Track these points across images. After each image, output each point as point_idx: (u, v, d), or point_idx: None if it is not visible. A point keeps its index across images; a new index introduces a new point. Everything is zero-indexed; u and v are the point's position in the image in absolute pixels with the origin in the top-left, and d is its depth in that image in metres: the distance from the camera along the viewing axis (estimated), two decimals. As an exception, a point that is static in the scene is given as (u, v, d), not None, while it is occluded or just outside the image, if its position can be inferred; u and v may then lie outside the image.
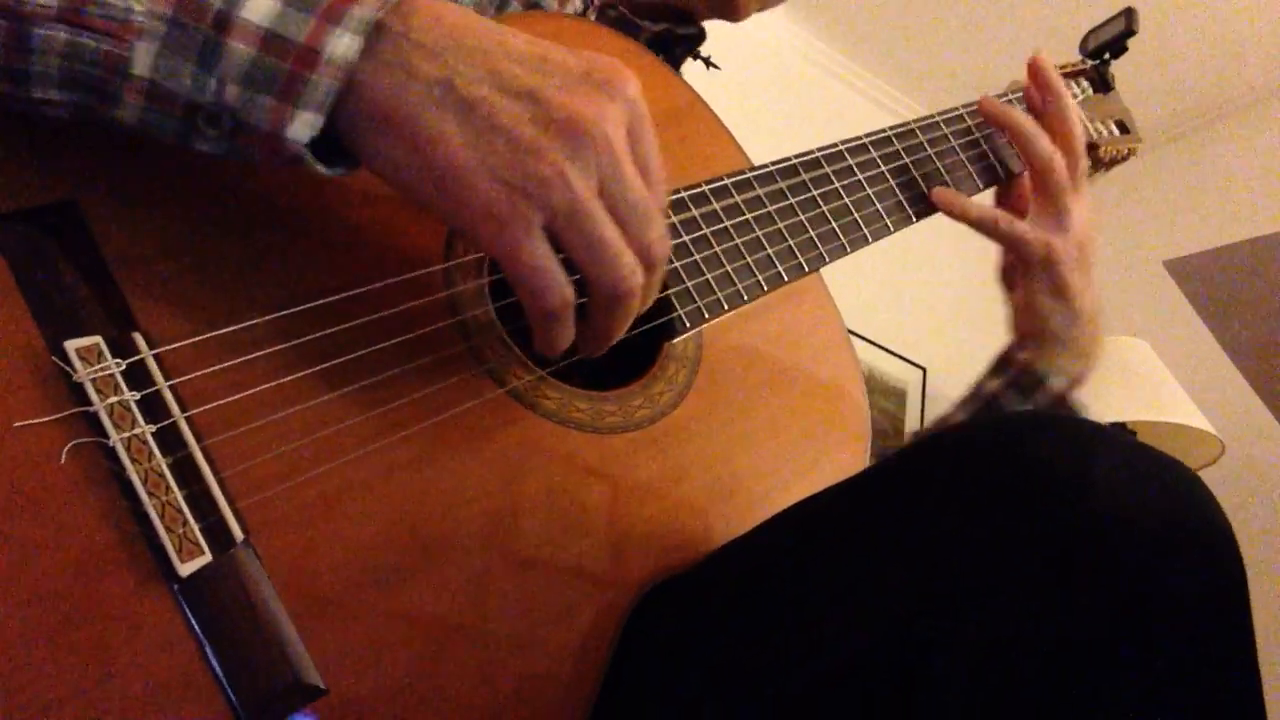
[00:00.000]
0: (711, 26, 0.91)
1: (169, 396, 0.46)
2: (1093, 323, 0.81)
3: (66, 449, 0.43)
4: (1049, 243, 0.79)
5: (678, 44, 0.89)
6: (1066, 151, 0.81)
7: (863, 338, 2.42)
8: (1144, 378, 2.21)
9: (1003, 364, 0.82)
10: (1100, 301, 0.82)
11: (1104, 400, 2.19)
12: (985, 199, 0.85)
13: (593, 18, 0.81)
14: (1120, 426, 2.17)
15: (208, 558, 0.44)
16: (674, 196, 0.67)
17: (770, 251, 0.71)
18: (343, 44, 0.44)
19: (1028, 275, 0.81)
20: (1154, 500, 0.44)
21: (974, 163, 0.85)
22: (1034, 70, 0.85)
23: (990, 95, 0.85)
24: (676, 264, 0.65)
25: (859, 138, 0.80)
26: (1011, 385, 0.80)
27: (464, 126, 0.45)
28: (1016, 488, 0.45)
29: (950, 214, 0.81)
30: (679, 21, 0.88)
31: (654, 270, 0.51)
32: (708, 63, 0.93)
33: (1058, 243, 0.79)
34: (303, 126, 0.45)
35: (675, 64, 0.90)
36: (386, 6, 0.46)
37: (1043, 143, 0.81)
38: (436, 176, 0.46)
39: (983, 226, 0.81)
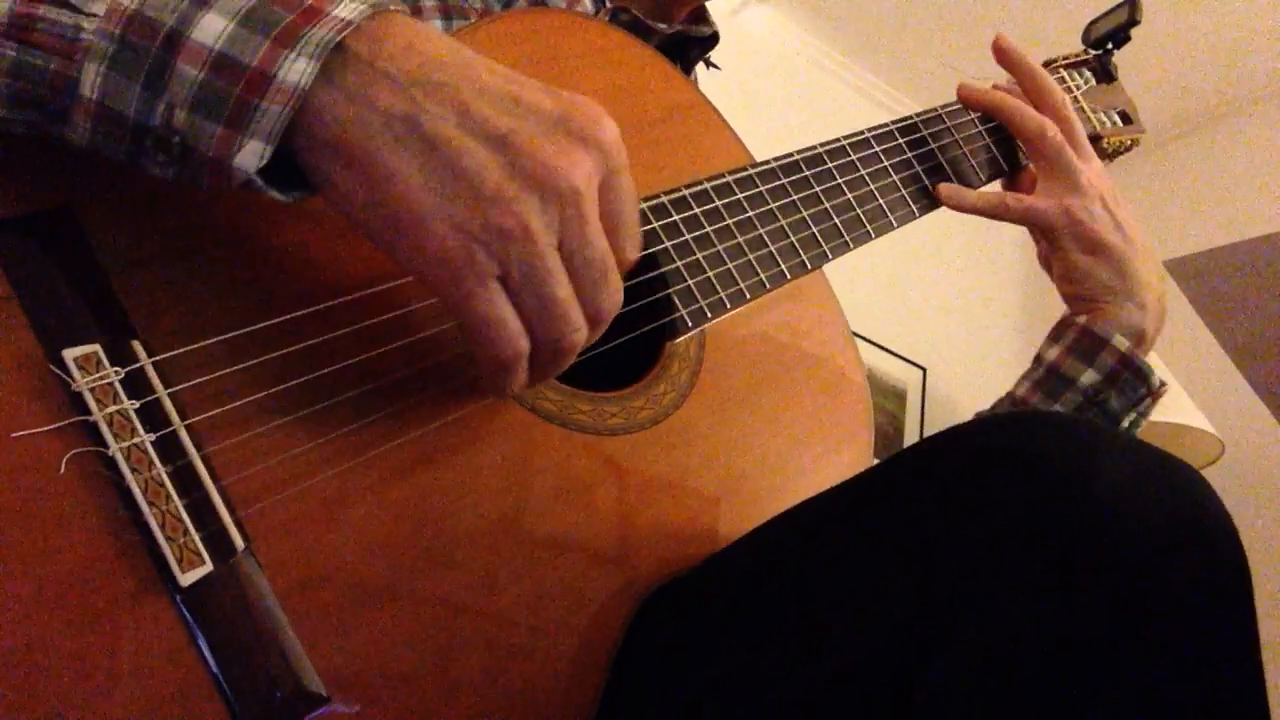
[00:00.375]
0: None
1: (168, 405, 0.45)
2: (1147, 269, 0.79)
3: (65, 459, 0.43)
4: (1064, 205, 0.78)
5: (692, 47, 0.88)
6: (1058, 119, 0.81)
7: (863, 338, 2.42)
8: (1144, 377, 2.20)
9: (1061, 329, 0.80)
10: (1151, 248, 0.80)
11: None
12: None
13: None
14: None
15: (209, 567, 0.43)
16: (675, 194, 0.67)
17: (773, 248, 0.70)
18: (296, 69, 0.42)
19: (1057, 245, 0.79)
20: (1156, 498, 0.43)
21: (977, 155, 0.84)
22: (999, 52, 0.85)
23: (971, 80, 0.85)
24: (679, 262, 0.65)
25: (861, 132, 0.79)
26: (1072, 350, 0.78)
27: (425, 167, 0.43)
28: (1018, 486, 0.45)
29: (956, 208, 0.80)
30: (693, 22, 0.87)
31: (598, 327, 0.49)
32: (708, 63, 0.92)
33: (1074, 202, 0.78)
34: (250, 155, 0.43)
35: (688, 67, 0.89)
36: (350, 28, 0.43)
37: (1028, 112, 0.80)
38: (391, 216, 0.44)
39: (992, 212, 0.80)
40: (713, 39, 0.89)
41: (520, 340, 0.46)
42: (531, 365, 0.49)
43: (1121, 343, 0.76)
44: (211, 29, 0.42)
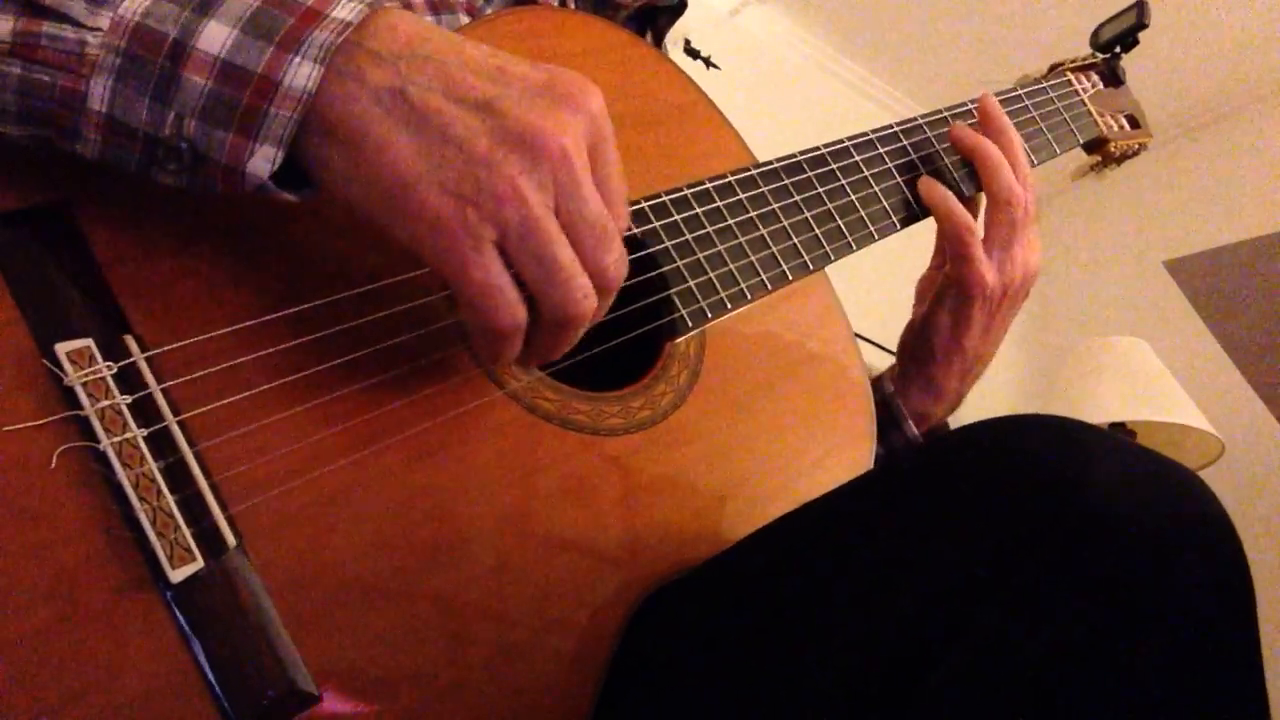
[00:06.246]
0: (710, 25, 0.90)
1: (161, 400, 0.45)
2: (968, 369, 0.82)
3: (57, 453, 0.42)
4: (983, 274, 0.77)
5: (660, 15, 0.88)
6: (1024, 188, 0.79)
7: (863, 338, 2.41)
8: (1144, 378, 2.21)
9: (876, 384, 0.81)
10: (990, 354, 0.82)
11: (1104, 400, 2.19)
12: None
13: (571, 4, 0.80)
14: (1120, 426, 2.17)
15: (200, 564, 0.43)
16: (677, 194, 0.66)
17: (775, 249, 0.70)
18: (302, 73, 0.43)
19: (945, 295, 0.79)
20: (1153, 498, 0.43)
21: (958, 169, 0.82)
22: (984, 113, 0.82)
23: (991, 95, 0.84)
24: (679, 262, 0.65)
25: (865, 134, 0.79)
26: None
27: (415, 137, 0.44)
28: (1016, 488, 0.44)
29: (933, 206, 0.78)
30: None
31: (608, 294, 0.49)
32: (708, 63, 0.92)
33: (990, 277, 0.77)
34: (261, 161, 0.43)
35: (658, 37, 0.90)
36: (349, 29, 0.44)
37: (1007, 175, 0.78)
38: (385, 188, 0.44)
39: (951, 231, 0.77)
40: (681, 6, 0.88)
41: (517, 308, 0.46)
42: (542, 337, 0.49)
43: (912, 430, 0.80)
44: (215, 37, 0.42)
